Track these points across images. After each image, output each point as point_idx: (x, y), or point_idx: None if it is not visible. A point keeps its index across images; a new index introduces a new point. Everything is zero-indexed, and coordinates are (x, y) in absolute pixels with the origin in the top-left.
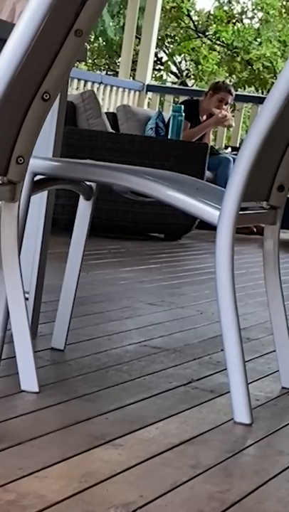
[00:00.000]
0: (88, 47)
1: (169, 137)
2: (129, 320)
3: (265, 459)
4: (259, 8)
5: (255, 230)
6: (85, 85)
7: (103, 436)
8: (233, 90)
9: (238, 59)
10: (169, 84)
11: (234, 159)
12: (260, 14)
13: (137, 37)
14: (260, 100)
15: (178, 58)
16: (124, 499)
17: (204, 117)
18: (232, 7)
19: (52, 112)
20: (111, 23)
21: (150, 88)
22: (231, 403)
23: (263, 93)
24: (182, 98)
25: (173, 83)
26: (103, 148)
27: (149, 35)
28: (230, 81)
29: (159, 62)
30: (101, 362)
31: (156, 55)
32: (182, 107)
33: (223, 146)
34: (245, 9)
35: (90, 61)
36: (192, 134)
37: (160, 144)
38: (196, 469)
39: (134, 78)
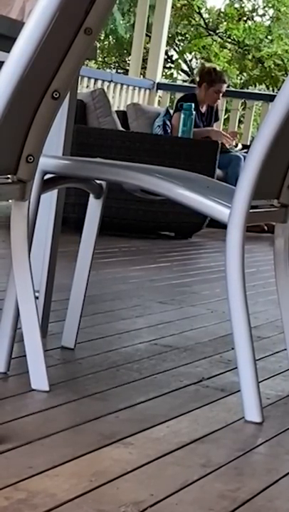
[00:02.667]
0: (98, 45)
1: (179, 135)
2: (140, 318)
3: (275, 458)
4: (270, 5)
5: (266, 228)
6: (95, 83)
7: (113, 435)
8: (226, 78)
9: (249, 57)
10: (179, 83)
11: (245, 157)
12: (271, 11)
13: (147, 35)
14: (270, 98)
15: (188, 56)
16: (134, 498)
17: (204, 108)
18: (243, 4)
19: (62, 111)
20: (121, 21)
21: (160, 86)
22: (242, 402)
23: (273, 91)
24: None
25: (183, 81)
26: (113, 147)
27: (159, 33)
28: (240, 79)
29: (169, 60)
30: (111, 360)
31: (166, 53)
32: (192, 105)
33: (234, 143)
34: (256, 6)
35: (100, 59)
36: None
37: (170, 142)
38: (207, 468)
39: (144, 76)
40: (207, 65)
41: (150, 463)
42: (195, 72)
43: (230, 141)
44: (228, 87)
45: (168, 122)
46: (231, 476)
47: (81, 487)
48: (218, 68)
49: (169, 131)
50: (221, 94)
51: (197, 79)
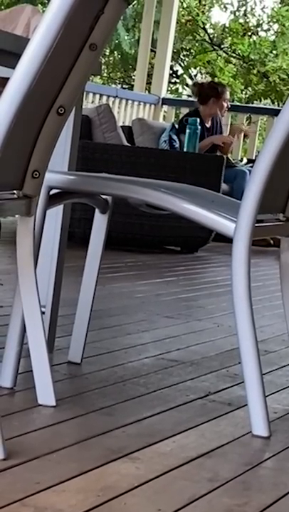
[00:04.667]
0: (103, 60)
1: (184, 150)
2: (146, 333)
3: (283, 472)
4: (274, 20)
5: (272, 242)
6: (100, 99)
7: (120, 450)
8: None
9: (254, 71)
10: (184, 98)
11: (250, 171)
12: (275, 26)
13: (152, 50)
14: (275, 112)
15: (193, 71)
16: None
17: (209, 123)
18: (247, 20)
19: (67, 126)
20: (126, 37)
21: (166, 101)
22: (249, 416)
23: (279, 105)
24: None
25: (188, 96)
26: (118, 162)
27: (164, 49)
28: (245, 93)
29: (174, 76)
30: (118, 375)
31: (171, 68)
32: (198, 119)
33: (239, 158)
34: (260, 22)
35: (105, 75)
36: (201, 147)
37: (176, 157)
38: (214, 482)
39: (149, 91)
40: (202, 81)
41: (157, 478)
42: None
43: (231, 139)
44: (232, 101)
45: (174, 137)
46: (239, 490)
47: (88, 502)
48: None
49: (176, 145)
50: (228, 102)
51: (196, 97)
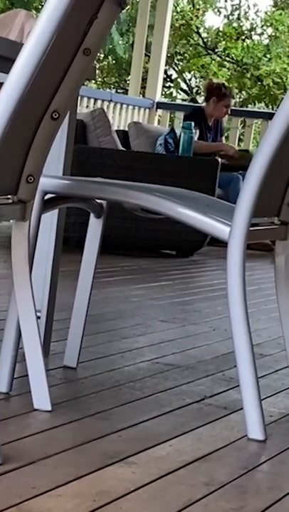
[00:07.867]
0: (98, 65)
1: (179, 154)
2: (142, 337)
3: (279, 476)
4: (268, 24)
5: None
6: (94, 103)
7: (116, 454)
8: (234, 93)
9: (248, 75)
10: (179, 101)
11: (244, 176)
12: (269, 30)
13: (146, 54)
14: (269, 116)
15: (188, 75)
16: None
17: (211, 122)
18: (241, 24)
19: (62, 131)
20: (120, 41)
21: (160, 105)
22: (245, 420)
23: (272, 109)
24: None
25: (183, 100)
26: (113, 166)
27: (158, 53)
28: (239, 97)
29: (168, 80)
30: (114, 379)
31: (165, 72)
32: (192, 123)
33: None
34: (254, 26)
35: (99, 79)
36: (200, 148)
37: (171, 161)
38: (210, 486)
39: (144, 96)
40: (215, 80)
41: (153, 482)
42: (194, 91)
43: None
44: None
45: (170, 140)
46: (235, 494)
47: (84, 507)
48: (226, 84)
49: (172, 149)
50: (229, 109)
51: (204, 94)
